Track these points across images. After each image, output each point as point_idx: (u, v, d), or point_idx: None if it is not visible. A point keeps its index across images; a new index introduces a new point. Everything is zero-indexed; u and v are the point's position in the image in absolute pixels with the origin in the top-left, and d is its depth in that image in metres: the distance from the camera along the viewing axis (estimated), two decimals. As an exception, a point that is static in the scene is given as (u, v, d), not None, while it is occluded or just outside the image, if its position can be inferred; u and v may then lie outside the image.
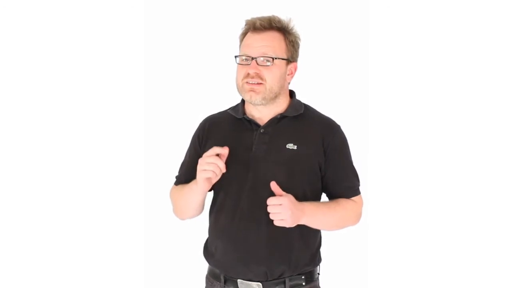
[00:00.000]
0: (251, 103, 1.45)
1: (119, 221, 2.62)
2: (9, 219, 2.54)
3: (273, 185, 1.34)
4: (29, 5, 2.51)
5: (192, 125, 1.62)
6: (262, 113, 1.49)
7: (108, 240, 2.62)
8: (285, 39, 1.45)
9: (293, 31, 1.47)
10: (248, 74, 1.41)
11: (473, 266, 2.52)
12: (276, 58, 1.42)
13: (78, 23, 2.55)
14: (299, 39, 1.50)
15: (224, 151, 1.34)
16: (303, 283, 1.47)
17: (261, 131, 1.47)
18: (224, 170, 1.35)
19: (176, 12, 2.66)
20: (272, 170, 1.41)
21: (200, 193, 1.44)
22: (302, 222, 1.39)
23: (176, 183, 1.62)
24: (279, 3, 2.25)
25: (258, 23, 1.42)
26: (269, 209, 1.33)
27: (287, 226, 1.34)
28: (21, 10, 2.52)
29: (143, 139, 2.66)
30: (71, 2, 2.54)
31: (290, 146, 1.45)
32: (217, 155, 1.35)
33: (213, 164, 1.34)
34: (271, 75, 1.42)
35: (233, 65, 1.55)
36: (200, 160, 1.36)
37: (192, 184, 1.46)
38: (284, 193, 1.34)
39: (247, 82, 1.42)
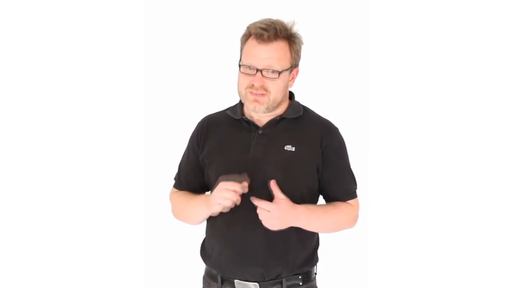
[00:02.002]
0: (254, 112, 1.45)
1: (118, 222, 2.62)
2: (9, 219, 2.54)
3: (272, 184, 1.35)
4: (29, 5, 2.51)
5: (192, 125, 1.62)
6: (260, 114, 1.49)
7: (107, 240, 2.62)
8: (290, 48, 1.43)
9: (297, 37, 1.45)
10: (253, 85, 1.41)
11: (473, 266, 2.52)
12: (282, 72, 1.41)
13: (78, 23, 2.55)
14: (302, 43, 1.48)
15: (244, 189, 1.36)
16: (300, 283, 1.48)
17: (260, 132, 1.47)
18: (238, 204, 1.36)
19: (176, 12, 2.66)
20: (269, 172, 1.41)
21: (208, 215, 1.47)
22: (295, 225, 1.40)
23: (176, 186, 1.62)
24: (279, 3, 2.25)
25: (265, 36, 1.38)
26: (258, 211, 1.36)
27: (274, 229, 1.37)
28: (21, 10, 2.52)
29: (143, 139, 2.66)
30: (71, 2, 2.54)
31: (289, 147, 1.45)
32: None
33: (230, 200, 1.35)
34: (276, 87, 1.42)
35: (233, 66, 1.55)
36: (217, 192, 1.37)
37: (201, 205, 1.46)
38: (281, 195, 1.36)
39: (250, 92, 1.42)
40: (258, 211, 1.36)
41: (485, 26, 2.50)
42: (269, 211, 1.34)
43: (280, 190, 1.36)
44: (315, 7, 2.59)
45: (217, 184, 1.38)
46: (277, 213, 1.34)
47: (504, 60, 2.50)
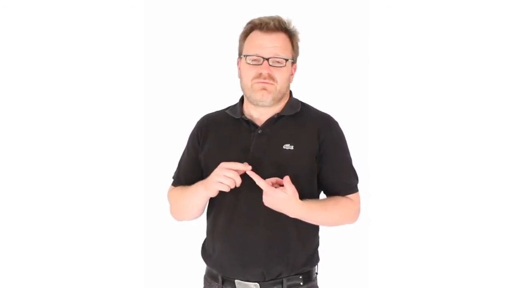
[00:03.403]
0: (259, 103, 1.45)
1: (118, 222, 2.62)
2: (9, 219, 2.54)
3: (285, 180, 1.33)
4: (29, 5, 2.51)
5: (191, 125, 1.63)
6: (260, 113, 1.49)
7: (108, 240, 2.62)
8: (290, 41, 1.47)
9: (295, 34, 1.49)
10: (261, 74, 1.42)
11: (473, 265, 2.52)
12: (287, 60, 1.43)
13: (78, 23, 2.56)
14: (299, 40, 1.51)
15: (246, 168, 1.35)
16: (301, 283, 1.47)
17: (259, 132, 1.47)
18: (238, 185, 1.35)
19: (176, 12, 2.66)
20: (269, 171, 1.40)
21: (207, 198, 1.46)
22: (290, 216, 1.39)
23: (175, 184, 1.62)
24: (278, 2, 2.25)
25: (271, 24, 1.42)
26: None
27: (266, 205, 1.37)
28: (21, 10, 2.52)
29: (143, 139, 2.66)
30: (71, 2, 2.55)
31: (287, 146, 1.45)
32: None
33: (231, 179, 1.34)
34: (282, 76, 1.43)
35: (232, 65, 1.55)
36: (218, 170, 1.36)
37: (198, 187, 1.45)
38: (289, 188, 1.33)
39: (257, 82, 1.42)
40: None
41: (485, 26, 2.50)
42: (266, 194, 1.34)
43: (292, 185, 1.33)
44: (315, 5, 2.59)
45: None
46: (270, 198, 1.34)
47: (504, 59, 2.50)
